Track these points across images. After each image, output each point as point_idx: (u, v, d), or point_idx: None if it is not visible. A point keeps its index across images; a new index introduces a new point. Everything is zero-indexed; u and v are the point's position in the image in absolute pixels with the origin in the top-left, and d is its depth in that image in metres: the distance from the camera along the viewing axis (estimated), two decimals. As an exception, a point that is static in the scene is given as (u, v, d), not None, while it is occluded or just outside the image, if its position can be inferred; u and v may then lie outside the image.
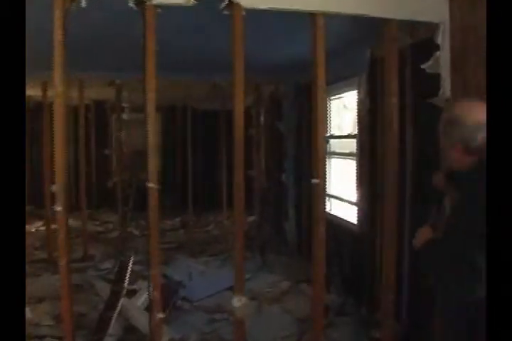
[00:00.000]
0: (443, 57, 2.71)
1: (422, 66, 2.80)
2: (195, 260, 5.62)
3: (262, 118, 6.54)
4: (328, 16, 2.57)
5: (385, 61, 2.83)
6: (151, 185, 2.38)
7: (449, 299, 1.71)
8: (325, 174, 2.66)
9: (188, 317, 4.00)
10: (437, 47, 2.73)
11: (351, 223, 4.37)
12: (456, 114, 1.68)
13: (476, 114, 1.61)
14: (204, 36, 3.53)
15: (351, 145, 4.44)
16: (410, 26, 3.01)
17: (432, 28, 2.75)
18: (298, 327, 3.78)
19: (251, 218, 6.85)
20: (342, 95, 4.87)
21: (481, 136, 1.57)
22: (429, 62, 2.76)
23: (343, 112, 5.24)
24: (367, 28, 3.19)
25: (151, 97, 2.41)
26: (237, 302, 2.54)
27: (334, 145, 4.99)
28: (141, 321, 3.52)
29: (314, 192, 2.66)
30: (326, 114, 2.51)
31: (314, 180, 2.63)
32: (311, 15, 2.56)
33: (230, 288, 3.84)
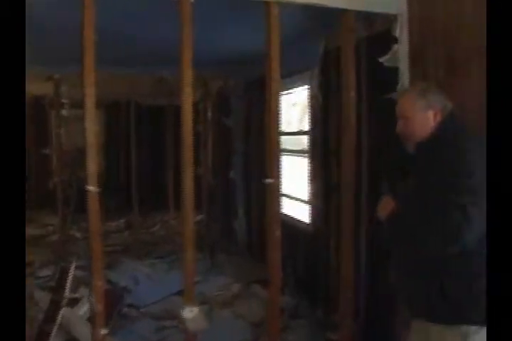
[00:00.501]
0: (401, 50, 2.64)
1: (380, 59, 2.72)
2: (142, 263, 5.37)
3: (209, 114, 6.36)
4: (282, 5, 2.42)
5: (342, 53, 2.72)
6: (90, 188, 2.17)
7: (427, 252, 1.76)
8: (279, 173, 2.50)
9: (135, 326, 3.78)
10: (395, 40, 2.65)
11: (304, 222, 4.28)
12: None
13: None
14: (149, 26, 3.30)
15: (302, 142, 4.33)
16: (367, 18, 2.92)
17: (390, 20, 2.66)
18: (252, 332, 3.63)
19: (199, 217, 6.65)
20: (291, 91, 4.76)
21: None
22: (387, 56, 2.69)
23: (292, 108, 5.15)
24: (320, 19, 3.07)
25: (90, 92, 2.22)
26: (189, 313, 2.35)
27: (285, 142, 4.81)
28: (84, 333, 3.27)
29: (268, 193, 2.52)
30: (279, 110, 2.38)
31: (268, 180, 2.49)
32: (265, 4, 2.40)
33: (179, 293, 3.65)
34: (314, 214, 4.01)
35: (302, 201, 4.40)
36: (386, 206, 1.86)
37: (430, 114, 1.85)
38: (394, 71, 2.66)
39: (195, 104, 6.83)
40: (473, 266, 1.67)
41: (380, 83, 2.90)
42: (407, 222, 1.75)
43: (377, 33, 2.91)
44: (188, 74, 2.33)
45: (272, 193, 2.49)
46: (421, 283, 1.78)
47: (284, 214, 4.54)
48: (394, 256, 1.97)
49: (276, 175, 2.48)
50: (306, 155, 4.25)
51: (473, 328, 1.68)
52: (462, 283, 1.70)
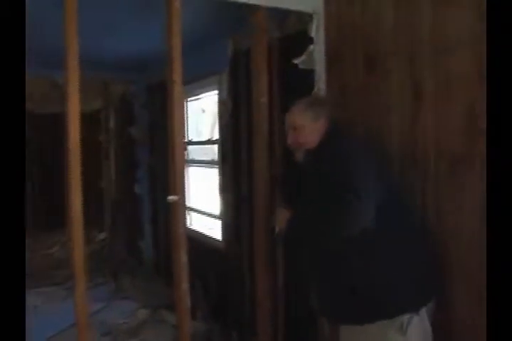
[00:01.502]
0: (317, 52, 2.51)
1: (294, 61, 2.59)
2: (36, 291, 4.86)
3: (112, 123, 5.97)
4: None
5: (252, 55, 2.54)
6: None
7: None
8: (184, 189, 2.23)
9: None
10: (310, 41, 2.52)
11: (216, 240, 4.05)
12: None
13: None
14: (37, 22, 2.92)
15: (212, 152, 4.16)
16: (280, 16, 2.77)
17: (305, 19, 2.53)
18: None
19: (101, 235, 6.22)
20: (199, 96, 4.56)
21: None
22: (302, 57, 2.55)
23: (201, 116, 4.95)
24: (228, 18, 2.87)
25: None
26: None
27: (193, 152, 4.70)
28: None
29: (172, 212, 2.24)
30: (184, 118, 2.15)
31: (172, 197, 2.21)
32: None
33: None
34: (226, 230, 3.81)
35: (213, 216, 4.19)
36: (281, 217, 2.02)
37: (318, 123, 2.02)
38: (309, 73, 2.54)
39: (96, 112, 6.43)
40: (378, 250, 1.80)
41: (295, 87, 2.78)
42: (302, 223, 1.92)
43: (292, 33, 2.78)
44: (74, 78, 2.02)
45: (176, 213, 2.21)
46: (335, 288, 1.89)
47: (194, 231, 4.41)
48: (304, 267, 2.08)
49: (181, 192, 2.21)
50: (216, 165, 4.05)
51: (406, 317, 1.77)
52: (372, 275, 1.80)
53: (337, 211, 1.72)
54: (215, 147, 4.06)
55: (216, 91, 3.94)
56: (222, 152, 3.89)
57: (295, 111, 2.09)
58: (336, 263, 1.88)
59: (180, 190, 2.21)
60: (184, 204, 2.23)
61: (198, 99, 4.61)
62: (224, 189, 3.83)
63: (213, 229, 4.27)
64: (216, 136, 4.09)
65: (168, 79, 2.22)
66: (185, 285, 2.28)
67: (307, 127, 2.03)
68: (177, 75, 2.21)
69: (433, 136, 1.96)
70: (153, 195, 5.38)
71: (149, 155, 5.44)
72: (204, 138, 4.60)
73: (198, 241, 4.19)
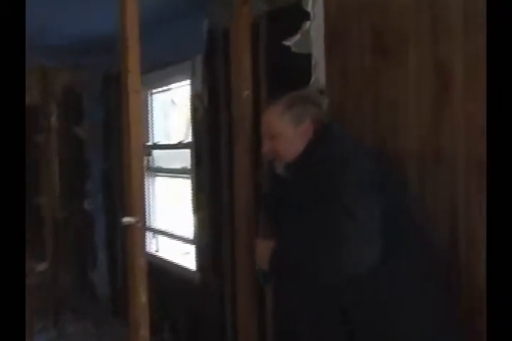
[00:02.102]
0: (315, 31, 2.52)
1: (286, 42, 2.61)
2: None
3: (53, 120, 5.95)
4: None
5: (232, 36, 2.61)
6: None
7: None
8: (144, 208, 2.23)
9: None
10: (306, 16, 2.54)
11: (189, 270, 4.09)
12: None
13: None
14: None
15: (184, 158, 4.21)
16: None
17: None
18: None
19: (41, 265, 6.19)
20: (169, 87, 4.60)
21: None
22: (296, 37, 2.58)
23: (171, 111, 5.03)
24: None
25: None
26: None
27: (160, 158, 4.73)
28: None
29: (128, 237, 2.24)
30: (142, 115, 2.16)
31: (127, 219, 2.20)
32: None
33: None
34: (202, 257, 3.85)
35: (185, 240, 4.23)
36: (262, 250, 2.01)
37: (300, 128, 2.04)
38: (305, 59, 2.57)
39: (33, 106, 6.40)
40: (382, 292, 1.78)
41: (287, 76, 2.82)
42: (285, 260, 1.88)
43: (282, 6, 2.82)
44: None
45: (134, 238, 2.21)
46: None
47: (161, 259, 4.50)
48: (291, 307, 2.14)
49: (140, 211, 2.20)
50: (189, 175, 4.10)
51: None
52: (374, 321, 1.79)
53: (327, 242, 1.71)
54: (188, 152, 4.08)
55: (188, 81, 3.97)
56: (196, 157, 3.92)
57: (271, 115, 2.13)
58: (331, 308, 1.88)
59: (138, 209, 2.20)
60: (144, 228, 2.22)
61: (166, 90, 4.65)
62: (198, 205, 3.86)
63: (189, 254, 4.30)
64: (188, 138, 4.13)
65: (122, 68, 2.23)
66: (144, 332, 2.28)
67: (287, 134, 2.06)
68: (133, 62, 2.23)
69: (463, 139, 1.95)
70: (109, 213, 5.39)
71: (103, 161, 5.47)
72: (174, 141, 4.63)
73: (165, 272, 4.25)
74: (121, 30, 2.23)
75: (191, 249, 4.11)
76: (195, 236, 3.93)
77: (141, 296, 2.22)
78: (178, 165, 4.48)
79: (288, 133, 2.05)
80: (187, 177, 4.14)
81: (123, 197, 2.25)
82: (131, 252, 2.24)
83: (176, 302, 4.15)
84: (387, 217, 1.72)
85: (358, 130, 2.29)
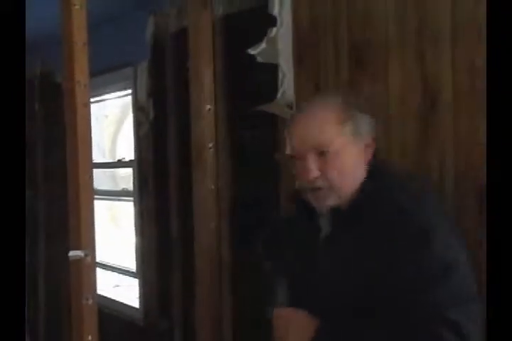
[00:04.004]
0: (282, 38, 2.52)
1: (250, 51, 2.60)
2: None
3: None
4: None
5: (191, 44, 2.63)
6: None
7: None
8: (94, 240, 2.20)
9: None
10: (273, 22, 2.55)
11: (131, 308, 4.06)
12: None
13: None
14: None
15: (125, 178, 4.27)
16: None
17: None
18: None
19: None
20: (103, 97, 4.61)
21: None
22: (261, 46, 2.57)
23: (103, 125, 5.03)
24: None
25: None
26: None
27: (97, 179, 4.60)
28: None
29: (74, 275, 2.19)
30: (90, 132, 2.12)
31: (75, 253, 2.16)
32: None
33: None
34: (147, 293, 3.82)
35: (129, 273, 4.18)
36: (295, 329, 1.58)
37: (362, 144, 1.64)
38: (271, 70, 2.57)
39: None
40: None
41: (248, 89, 2.83)
42: None
43: (244, 9, 2.83)
44: None
45: (81, 276, 2.16)
46: None
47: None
48: None
49: (90, 244, 2.17)
50: (132, 198, 4.07)
51: None
52: None
53: None
54: (128, 171, 4.10)
55: (128, 91, 3.98)
56: (138, 178, 3.91)
57: (319, 120, 1.65)
58: None
59: (87, 240, 2.17)
60: (94, 263, 2.19)
61: (100, 100, 4.62)
62: (143, 232, 3.84)
63: (119, 287, 4.32)
64: (128, 155, 4.15)
65: (68, 78, 2.21)
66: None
67: (349, 152, 1.63)
68: (81, 71, 2.21)
69: (452, 161, 1.97)
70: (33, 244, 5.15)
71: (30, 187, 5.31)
72: (107, 159, 4.68)
73: (104, 312, 4.12)
74: (66, 33, 2.21)
75: (121, 281, 4.15)
76: (138, 268, 3.91)
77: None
78: (117, 187, 4.52)
79: (351, 151, 1.62)
80: (129, 200, 4.14)
81: (67, 228, 2.22)
82: (77, 290, 2.21)
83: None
84: None
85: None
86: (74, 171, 2.19)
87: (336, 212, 1.62)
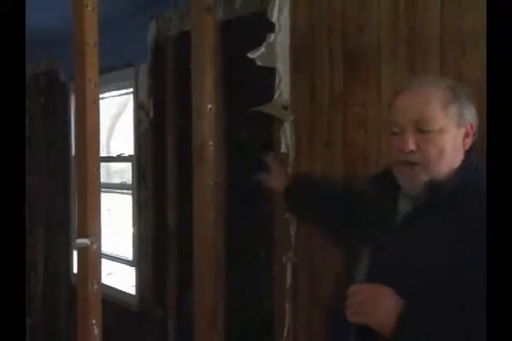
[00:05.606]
0: (280, 43, 2.55)
1: (250, 55, 2.62)
2: None
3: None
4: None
5: (194, 47, 2.62)
6: None
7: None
8: (100, 229, 2.22)
9: None
10: (271, 27, 2.57)
11: (127, 294, 4.02)
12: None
13: None
14: None
15: (125, 172, 4.24)
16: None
17: None
18: None
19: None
20: (104, 95, 4.51)
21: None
22: (260, 50, 2.59)
23: (104, 121, 4.97)
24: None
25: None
26: None
27: None
28: None
29: (81, 262, 2.21)
30: (99, 127, 2.14)
31: (82, 241, 2.18)
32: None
33: None
34: (142, 280, 3.80)
35: (126, 261, 4.16)
36: (385, 304, 1.46)
37: (463, 130, 1.57)
38: (269, 73, 2.59)
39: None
40: None
41: (246, 91, 2.84)
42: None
43: (244, 15, 2.84)
44: None
45: (87, 263, 2.18)
46: None
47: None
48: None
49: (96, 232, 2.19)
50: (130, 191, 4.03)
51: None
52: None
53: None
54: (127, 166, 4.06)
55: (130, 90, 3.96)
56: (137, 172, 3.89)
57: (426, 96, 1.57)
58: None
59: (94, 229, 2.19)
60: (99, 251, 2.21)
61: (101, 98, 4.57)
62: (140, 223, 3.83)
63: (112, 275, 4.30)
64: (127, 150, 4.10)
65: (79, 76, 2.22)
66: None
67: (449, 133, 1.54)
68: (91, 70, 2.23)
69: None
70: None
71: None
72: (112, 154, 4.59)
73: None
74: (78, 34, 2.23)
75: (115, 268, 4.11)
76: (134, 256, 3.90)
77: (94, 329, 2.21)
78: (116, 180, 4.49)
79: (452, 134, 1.54)
80: (128, 193, 4.10)
81: (77, 217, 2.23)
82: (83, 277, 2.22)
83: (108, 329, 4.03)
84: None
85: (326, 150, 2.33)
86: (83, 164, 2.20)
87: (428, 192, 1.54)
